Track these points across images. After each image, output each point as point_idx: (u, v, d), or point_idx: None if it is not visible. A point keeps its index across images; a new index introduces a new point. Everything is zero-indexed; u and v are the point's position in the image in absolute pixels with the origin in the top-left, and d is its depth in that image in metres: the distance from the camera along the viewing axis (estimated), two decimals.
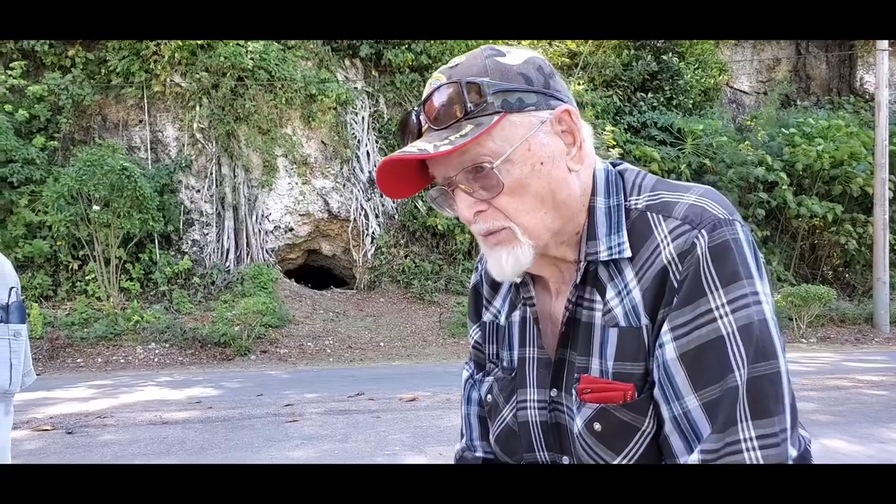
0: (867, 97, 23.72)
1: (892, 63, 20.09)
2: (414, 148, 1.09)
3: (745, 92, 24.98)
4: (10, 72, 15.55)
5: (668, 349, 1.04)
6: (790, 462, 1.11)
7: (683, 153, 19.49)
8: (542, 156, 1.10)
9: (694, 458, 1.00)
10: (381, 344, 14.84)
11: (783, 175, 18.77)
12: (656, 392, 1.07)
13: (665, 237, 1.07)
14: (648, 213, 1.11)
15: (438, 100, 1.09)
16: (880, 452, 5.47)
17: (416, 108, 1.15)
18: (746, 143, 19.83)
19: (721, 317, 1.01)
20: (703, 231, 1.04)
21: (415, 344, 14.95)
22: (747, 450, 0.98)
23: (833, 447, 5.59)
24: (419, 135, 1.13)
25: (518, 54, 1.13)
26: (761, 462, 0.97)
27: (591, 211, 1.16)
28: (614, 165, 1.23)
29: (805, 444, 1.20)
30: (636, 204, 1.14)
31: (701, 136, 19.58)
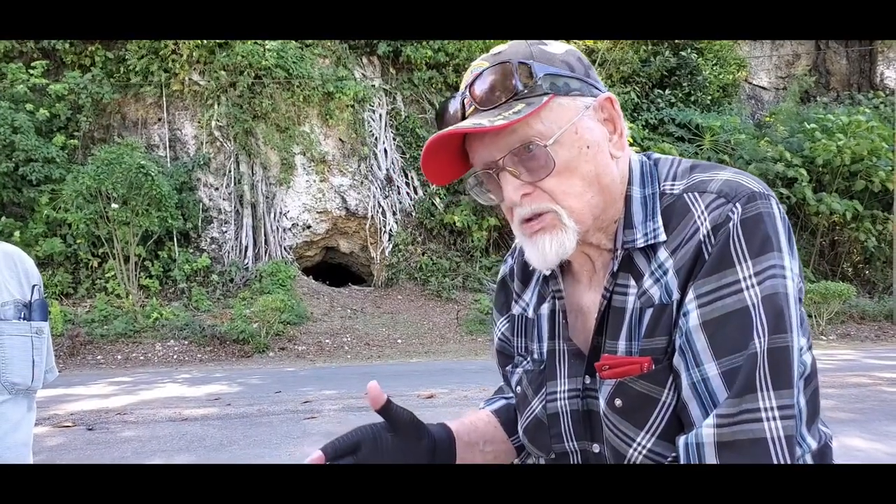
0: (887, 92, 23.49)
1: None
2: (468, 122, 1.09)
3: (763, 88, 24.82)
4: (31, 71, 15.72)
5: (692, 317, 1.04)
6: (804, 444, 1.12)
7: (702, 150, 19.38)
8: (588, 140, 1.11)
9: (709, 422, 1.00)
10: (399, 341, 14.87)
11: (803, 171, 18.62)
12: (676, 358, 1.07)
13: (702, 213, 1.07)
14: (685, 195, 1.11)
15: (488, 80, 1.10)
16: None
17: (460, 93, 1.15)
18: (765, 139, 19.69)
19: (748, 288, 1.00)
20: (737, 204, 1.04)
21: (432, 341, 14.97)
22: (767, 419, 0.97)
23: (852, 445, 5.55)
24: (463, 119, 1.13)
25: (558, 45, 1.15)
26: (781, 432, 0.97)
27: (628, 200, 1.17)
28: (648, 157, 1.24)
29: (826, 438, 1.20)
30: (672, 189, 1.14)
31: (719, 132, 19.47)
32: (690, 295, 1.05)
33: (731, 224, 1.03)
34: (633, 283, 1.15)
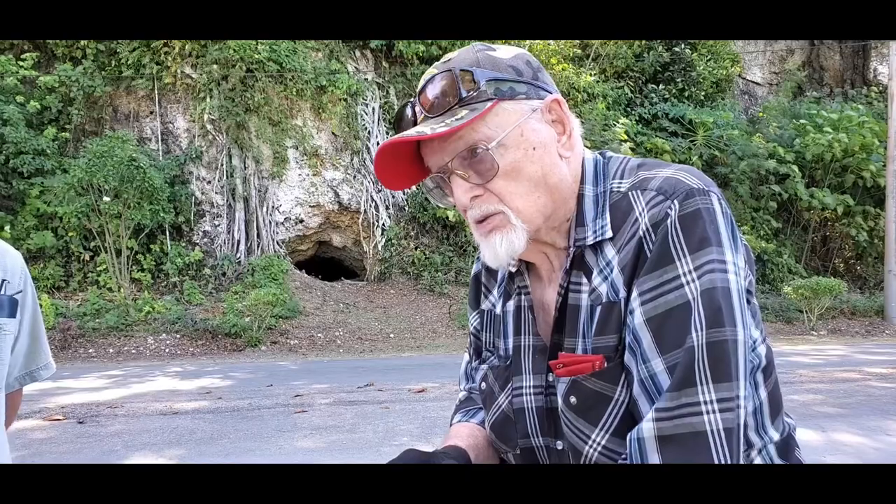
0: (880, 88, 23.57)
1: None
2: (412, 131, 1.12)
3: (757, 83, 24.86)
4: (21, 63, 15.59)
5: (637, 314, 1.06)
6: (765, 436, 1.16)
7: (695, 145, 19.41)
8: (534, 141, 1.14)
9: (649, 417, 1.01)
10: (391, 335, 14.88)
11: (794, 167, 18.67)
12: (627, 356, 1.08)
13: (643, 210, 1.09)
14: (630, 193, 1.14)
15: (433, 89, 1.13)
16: (887, 445, 5.45)
17: (411, 101, 1.18)
18: (758, 135, 19.72)
19: (688, 283, 1.02)
20: (675, 200, 1.06)
21: (424, 335, 14.98)
22: (707, 412, 0.97)
23: (840, 440, 5.57)
24: (415, 125, 1.16)
25: (507, 50, 1.18)
26: (720, 425, 0.97)
27: (580, 199, 1.19)
28: (602, 155, 1.26)
29: (789, 429, 1.23)
30: (619, 187, 1.17)
31: (712, 127, 19.50)
32: (634, 293, 1.07)
33: (668, 221, 1.05)
34: (585, 280, 1.17)
